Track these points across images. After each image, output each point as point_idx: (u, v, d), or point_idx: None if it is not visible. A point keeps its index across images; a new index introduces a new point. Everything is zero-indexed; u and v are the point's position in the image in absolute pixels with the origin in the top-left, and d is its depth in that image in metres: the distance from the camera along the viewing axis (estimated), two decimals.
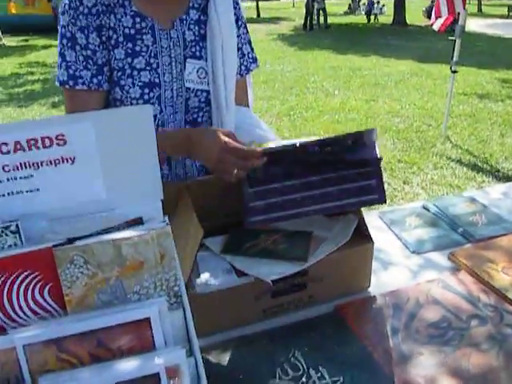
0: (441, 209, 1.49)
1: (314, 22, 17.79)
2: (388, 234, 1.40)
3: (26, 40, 16.08)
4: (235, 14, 1.26)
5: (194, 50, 1.20)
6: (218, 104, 1.22)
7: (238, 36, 1.27)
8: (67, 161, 0.77)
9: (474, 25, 16.84)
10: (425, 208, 1.51)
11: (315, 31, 17.20)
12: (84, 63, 1.12)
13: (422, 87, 7.82)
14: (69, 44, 1.11)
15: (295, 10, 27.08)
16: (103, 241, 0.72)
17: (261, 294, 1.03)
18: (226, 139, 0.99)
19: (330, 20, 18.68)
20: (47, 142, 0.75)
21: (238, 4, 1.28)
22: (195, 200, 1.09)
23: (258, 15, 24.67)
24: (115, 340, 0.71)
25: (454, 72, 4.98)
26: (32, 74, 10.06)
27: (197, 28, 1.20)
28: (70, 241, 0.72)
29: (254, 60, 1.36)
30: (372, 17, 20.66)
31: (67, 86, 1.12)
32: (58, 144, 0.76)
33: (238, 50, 1.28)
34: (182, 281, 0.80)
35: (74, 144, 0.77)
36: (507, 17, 21.57)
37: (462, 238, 1.35)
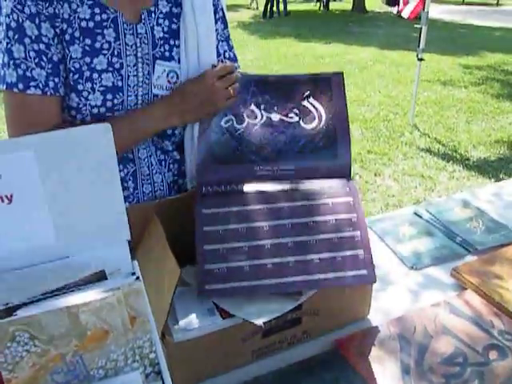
0: (434, 215, 1.37)
1: (274, 9, 17.59)
2: (381, 247, 1.27)
3: None
4: (214, 4, 1.07)
5: (163, 49, 1.02)
6: None
7: (215, 30, 1.08)
8: (2, 200, 0.60)
9: (432, 12, 17.01)
10: (417, 215, 1.39)
11: (275, 19, 17.00)
12: (36, 60, 0.91)
13: (385, 74, 7.79)
14: (15, 36, 0.90)
15: None
16: (54, 309, 0.55)
17: (249, 335, 0.88)
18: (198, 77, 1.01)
19: (289, 7, 18.51)
20: None
21: None
22: (167, 222, 0.92)
23: None
24: None
25: (421, 60, 4.92)
26: None
27: (167, 23, 1.02)
28: (9, 310, 0.55)
29: (233, 59, 1.17)
30: (318, 4, 20.44)
31: (15, 90, 0.91)
32: None
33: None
34: (158, 344, 0.64)
35: (9, 178, 0.60)
36: (462, 3, 21.94)
37: (461, 248, 1.24)
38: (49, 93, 0.93)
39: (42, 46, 0.91)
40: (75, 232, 0.64)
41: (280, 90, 1.04)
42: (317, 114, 1.03)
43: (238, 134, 1.01)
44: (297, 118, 1.03)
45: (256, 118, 1.02)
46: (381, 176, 3.93)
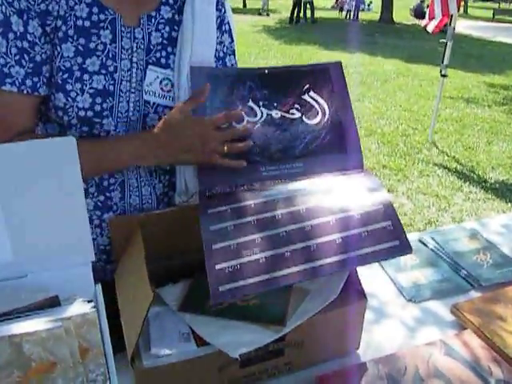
0: (440, 244, 1.30)
1: (301, 15, 17.55)
2: (380, 275, 1.21)
3: None
4: (219, 16, 1.02)
5: (158, 55, 0.97)
6: None
7: (220, 43, 1.03)
8: None
9: (459, 26, 16.78)
10: (421, 242, 1.32)
11: (301, 25, 16.96)
12: (17, 57, 0.87)
13: (408, 88, 7.68)
14: (0, 30, 0.86)
15: (283, 1, 26.78)
16: None
17: (226, 364, 0.82)
18: (195, 117, 0.91)
19: (316, 14, 18.46)
20: None
21: (223, 6, 1.04)
22: (152, 237, 0.88)
23: (244, 5, 24.24)
24: None
25: (444, 76, 4.82)
26: None
27: (167, 29, 0.97)
28: None
29: None
30: (344, 13, 20.35)
31: None
32: None
33: (219, 60, 1.04)
34: (114, 377, 0.59)
35: None
36: (492, 20, 21.66)
37: (465, 282, 1.17)
38: (25, 91, 0.89)
39: (26, 44, 0.88)
40: (34, 250, 0.60)
41: (278, 83, 0.98)
42: (319, 108, 0.98)
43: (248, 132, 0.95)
44: (299, 114, 0.97)
45: (256, 115, 0.95)
46: (394, 192, 3.84)
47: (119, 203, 1.00)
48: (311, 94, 0.98)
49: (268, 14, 20.08)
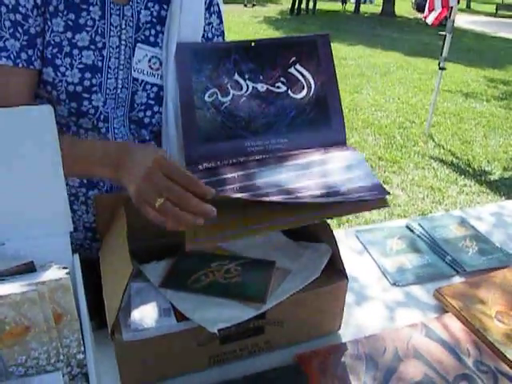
0: (427, 230, 1.31)
1: (303, 6, 17.44)
2: (364, 259, 1.21)
3: None
4: None
5: (148, 33, 0.97)
6: (173, 104, 0.99)
7: (208, 24, 1.04)
8: None
9: (461, 20, 16.72)
10: (409, 228, 1.33)
11: (302, 16, 16.86)
12: (11, 30, 0.86)
13: (407, 81, 7.66)
14: None
15: None
16: None
17: (206, 340, 0.83)
18: (166, 155, 0.76)
19: (317, 5, 18.35)
20: None
21: None
22: (137, 215, 0.88)
23: None
24: None
25: (442, 69, 4.81)
26: None
27: (157, 7, 0.97)
28: None
29: None
30: (342, 5, 20.24)
31: None
32: None
33: (207, 42, 1.05)
34: (89, 344, 0.59)
35: None
36: (495, 15, 21.53)
37: (449, 268, 1.17)
38: (21, 64, 0.88)
39: (19, 17, 0.87)
40: (11, 218, 0.60)
41: (264, 56, 0.97)
42: (305, 83, 0.97)
43: (224, 108, 0.95)
44: (285, 88, 0.97)
45: (241, 89, 0.95)
46: (389, 184, 3.85)
47: (106, 181, 1.00)
48: (297, 67, 0.97)
49: (254, 5, 19.85)
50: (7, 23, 0.86)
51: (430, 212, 3.42)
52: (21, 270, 0.56)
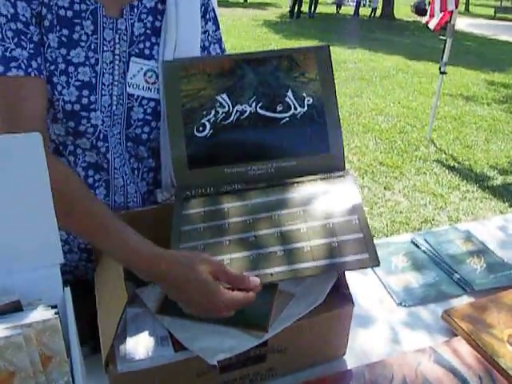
0: (433, 246, 1.27)
1: (302, 10, 17.43)
2: (370, 278, 1.17)
3: None
4: (203, 4, 0.98)
5: (142, 46, 0.93)
6: None
7: (205, 32, 1.00)
8: None
9: (461, 24, 16.70)
10: (414, 244, 1.29)
11: (302, 19, 16.85)
12: (15, 40, 0.81)
13: (407, 85, 7.63)
14: None
15: None
16: None
17: (205, 370, 0.79)
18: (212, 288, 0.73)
19: (317, 9, 18.34)
20: None
21: None
22: None
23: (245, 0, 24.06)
24: None
25: (443, 73, 4.78)
26: None
27: (150, 19, 0.93)
28: None
29: None
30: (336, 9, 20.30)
31: None
32: None
33: (204, 50, 1.00)
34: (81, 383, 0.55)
35: None
36: (493, 18, 21.55)
37: (457, 286, 1.13)
38: (33, 73, 0.83)
39: (20, 25, 0.82)
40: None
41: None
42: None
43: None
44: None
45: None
46: (390, 190, 3.81)
47: (103, 200, 0.96)
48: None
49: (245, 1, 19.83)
50: (9, 33, 0.82)
51: (433, 219, 3.38)
52: (6, 309, 0.52)
